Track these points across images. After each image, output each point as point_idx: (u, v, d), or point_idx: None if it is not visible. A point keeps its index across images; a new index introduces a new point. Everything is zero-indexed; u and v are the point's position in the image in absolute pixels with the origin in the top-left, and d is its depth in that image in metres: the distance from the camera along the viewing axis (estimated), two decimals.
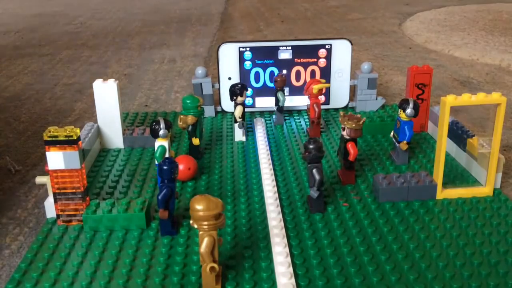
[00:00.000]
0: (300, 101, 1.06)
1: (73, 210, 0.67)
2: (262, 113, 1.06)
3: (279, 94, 0.98)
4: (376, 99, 1.05)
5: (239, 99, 0.90)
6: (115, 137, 0.90)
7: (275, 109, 1.00)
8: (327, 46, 1.04)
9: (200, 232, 0.53)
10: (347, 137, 0.75)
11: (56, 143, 0.64)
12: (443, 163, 0.71)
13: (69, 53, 1.71)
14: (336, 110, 1.07)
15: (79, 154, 0.65)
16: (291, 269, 0.58)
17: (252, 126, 0.99)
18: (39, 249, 0.63)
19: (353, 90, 1.08)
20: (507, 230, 0.65)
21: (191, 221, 0.53)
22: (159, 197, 0.63)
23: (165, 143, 0.76)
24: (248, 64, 1.04)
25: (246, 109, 1.02)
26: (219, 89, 1.05)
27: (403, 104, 0.81)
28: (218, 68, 1.04)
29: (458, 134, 0.82)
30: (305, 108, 1.06)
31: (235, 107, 0.91)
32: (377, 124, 0.94)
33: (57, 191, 0.67)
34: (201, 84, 1.03)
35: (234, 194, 0.75)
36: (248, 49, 1.03)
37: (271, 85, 1.05)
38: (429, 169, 0.81)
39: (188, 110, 0.83)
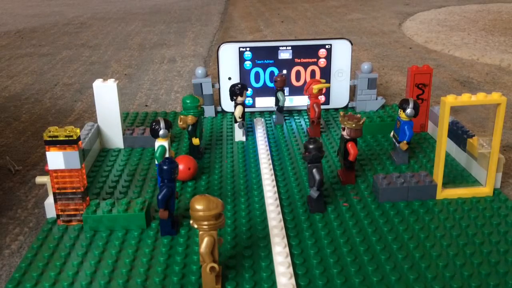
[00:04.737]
0: (300, 101, 1.06)
1: (73, 210, 0.67)
2: (262, 113, 1.06)
3: (279, 94, 0.98)
4: (376, 99, 1.05)
5: (239, 99, 0.90)
6: (115, 137, 0.90)
7: (275, 109, 1.00)
8: (327, 46, 1.04)
9: (200, 232, 0.53)
10: (347, 137, 0.75)
11: (56, 143, 0.64)
12: (443, 163, 0.71)
13: (69, 53, 1.71)
14: (336, 110, 1.07)
15: (79, 154, 0.65)
16: (291, 269, 0.58)
17: (252, 126, 0.99)
18: (39, 249, 0.63)
19: (353, 90, 1.08)
20: (507, 230, 0.65)
21: (191, 221, 0.53)
22: (159, 197, 0.63)
23: (165, 143, 0.76)
24: (248, 64, 1.04)
25: (246, 109, 1.02)
26: (219, 89, 1.05)
27: (403, 104, 0.81)
28: (218, 68, 1.04)
29: (458, 134, 0.82)
30: (305, 108, 1.06)
31: (235, 107, 0.91)
32: (377, 124, 0.94)
33: (57, 191, 0.67)
34: (201, 84, 1.03)
35: (234, 194, 0.75)
36: (248, 49, 1.03)
37: (271, 85, 1.05)
38: (429, 169, 0.81)
39: (188, 110, 0.83)
